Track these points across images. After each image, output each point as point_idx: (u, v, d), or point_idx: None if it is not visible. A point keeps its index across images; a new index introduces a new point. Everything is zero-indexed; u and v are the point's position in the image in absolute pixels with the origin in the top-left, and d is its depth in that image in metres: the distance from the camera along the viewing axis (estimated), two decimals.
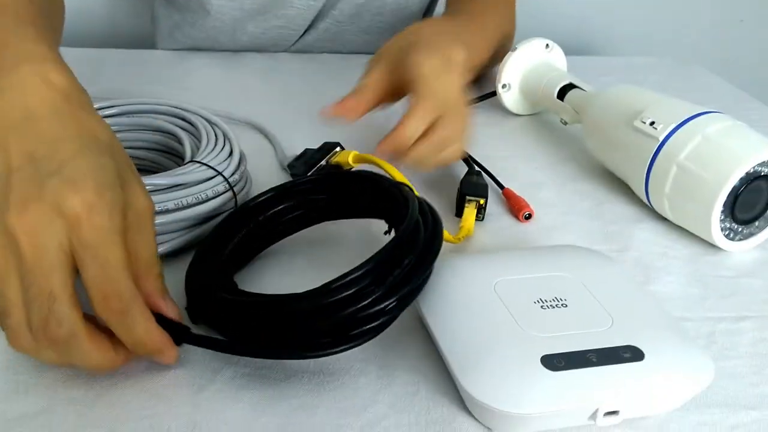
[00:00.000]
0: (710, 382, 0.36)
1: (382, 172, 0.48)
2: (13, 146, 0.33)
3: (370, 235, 0.48)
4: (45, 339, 0.32)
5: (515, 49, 0.68)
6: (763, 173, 0.48)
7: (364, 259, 0.35)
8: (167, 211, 0.44)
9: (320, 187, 0.46)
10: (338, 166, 0.52)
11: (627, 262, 0.49)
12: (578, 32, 1.12)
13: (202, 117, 0.53)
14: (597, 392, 0.33)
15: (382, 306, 0.35)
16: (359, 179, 0.45)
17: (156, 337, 0.34)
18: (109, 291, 0.32)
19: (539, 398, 0.33)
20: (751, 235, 0.50)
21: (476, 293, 0.39)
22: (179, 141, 0.51)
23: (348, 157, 0.51)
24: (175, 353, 0.36)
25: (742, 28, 1.19)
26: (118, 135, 0.53)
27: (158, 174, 0.45)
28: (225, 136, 0.51)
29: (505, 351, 0.35)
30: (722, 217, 0.48)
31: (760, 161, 0.47)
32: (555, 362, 0.34)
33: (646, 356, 0.35)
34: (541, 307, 0.37)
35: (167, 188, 0.44)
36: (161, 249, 0.44)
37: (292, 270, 0.45)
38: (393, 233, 0.40)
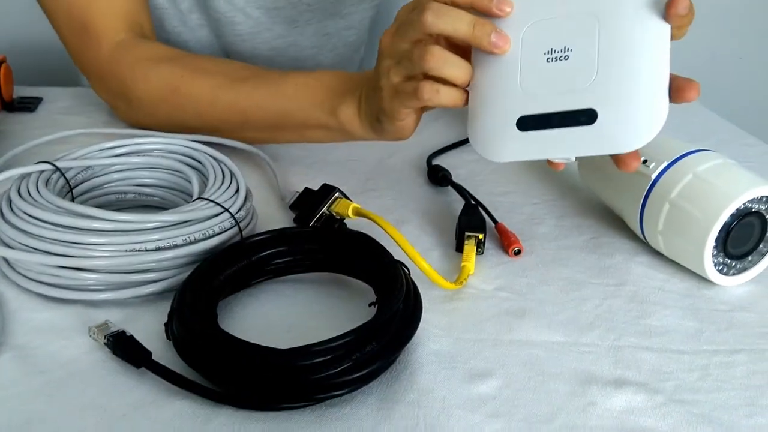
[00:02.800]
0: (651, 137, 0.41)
1: (379, 231, 0.48)
2: None
3: (356, 290, 0.48)
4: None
5: None
6: (753, 209, 0.49)
7: (343, 313, 0.38)
8: (175, 247, 0.45)
9: (319, 240, 0.48)
10: (339, 217, 0.53)
11: (623, 296, 0.50)
12: None
13: (210, 155, 0.55)
14: (555, 153, 0.44)
15: (349, 378, 0.38)
16: (359, 244, 0.47)
17: None
18: None
19: (509, 152, 0.45)
20: (744, 269, 0.51)
21: (507, 31, 0.45)
22: (187, 179, 0.53)
23: (348, 210, 0.51)
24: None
25: (741, 65, 1.21)
26: (130, 173, 0.55)
27: (167, 211, 0.47)
28: (232, 173, 0.53)
29: (497, 107, 0.45)
30: (715, 253, 0.49)
31: (749, 199, 0.48)
32: (527, 122, 0.43)
33: (598, 119, 0.41)
34: (547, 60, 0.43)
35: (176, 224, 0.46)
36: (168, 283, 0.46)
37: (272, 308, 0.47)
38: (375, 309, 0.42)
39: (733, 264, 0.50)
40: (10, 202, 0.47)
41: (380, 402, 0.39)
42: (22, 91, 0.77)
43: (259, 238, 0.47)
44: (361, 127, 0.56)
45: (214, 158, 0.54)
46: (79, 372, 0.40)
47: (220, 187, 0.50)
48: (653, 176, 0.51)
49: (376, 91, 0.51)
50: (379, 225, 0.49)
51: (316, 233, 0.50)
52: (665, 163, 0.51)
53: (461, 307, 0.47)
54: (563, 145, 0.43)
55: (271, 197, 0.60)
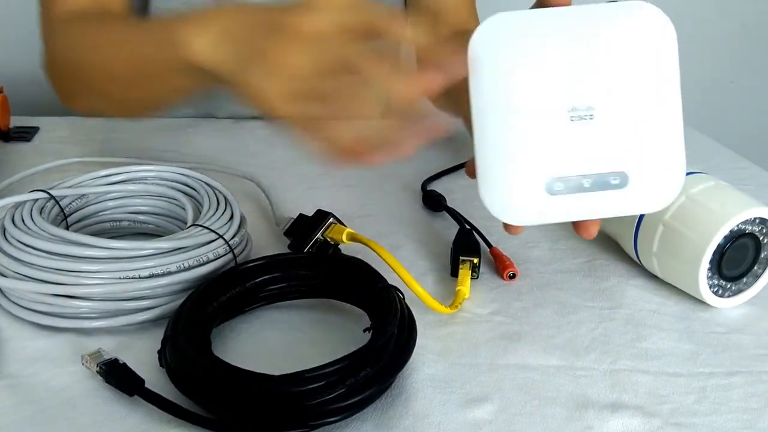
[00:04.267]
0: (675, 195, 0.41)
1: (373, 255, 0.49)
2: None
3: (351, 316, 0.48)
4: None
5: None
6: (747, 231, 0.49)
7: (338, 339, 0.39)
8: (169, 273, 0.45)
9: (314, 266, 0.48)
10: (334, 243, 0.53)
11: (619, 319, 0.49)
12: None
13: (204, 182, 0.55)
14: (583, 215, 0.42)
15: (343, 404, 0.38)
16: (353, 269, 0.47)
17: None
18: None
19: (534, 216, 0.42)
20: (740, 291, 0.51)
21: (525, 85, 0.41)
22: (182, 206, 0.53)
23: (342, 235, 0.51)
24: None
25: (733, 89, 1.22)
26: (124, 201, 0.55)
27: (162, 238, 0.47)
28: (226, 200, 0.53)
29: (519, 167, 0.41)
30: (710, 275, 0.49)
31: (742, 220, 0.48)
32: (555, 187, 0.41)
33: (630, 181, 0.41)
34: (571, 119, 0.41)
35: (170, 251, 0.46)
36: (162, 310, 0.45)
37: (266, 334, 0.46)
38: (370, 334, 0.42)
39: (728, 286, 0.50)
40: (4, 231, 0.47)
41: (375, 428, 0.39)
42: (18, 121, 0.77)
43: (253, 264, 0.47)
44: (215, 61, 0.46)
45: (209, 185, 0.55)
46: (72, 400, 0.40)
47: (214, 214, 0.51)
48: None
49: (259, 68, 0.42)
50: (373, 250, 0.49)
51: (311, 259, 0.50)
52: None
53: (456, 332, 0.47)
54: (591, 208, 0.41)
55: (266, 223, 0.60)
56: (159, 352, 0.41)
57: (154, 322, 0.46)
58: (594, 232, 0.43)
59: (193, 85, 0.52)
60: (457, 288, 0.50)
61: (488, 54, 0.40)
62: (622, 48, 0.41)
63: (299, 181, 0.67)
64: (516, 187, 0.41)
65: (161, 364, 0.41)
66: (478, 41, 0.40)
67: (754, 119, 1.23)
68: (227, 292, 0.45)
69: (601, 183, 0.41)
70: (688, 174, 0.52)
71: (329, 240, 0.52)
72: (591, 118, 0.40)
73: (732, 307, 0.51)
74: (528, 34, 0.41)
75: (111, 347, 0.44)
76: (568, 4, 0.41)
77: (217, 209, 0.51)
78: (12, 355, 0.43)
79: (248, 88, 0.43)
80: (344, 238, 0.51)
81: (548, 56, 0.40)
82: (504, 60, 0.41)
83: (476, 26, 0.41)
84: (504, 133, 0.41)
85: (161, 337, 0.42)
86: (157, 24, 0.54)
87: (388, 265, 0.47)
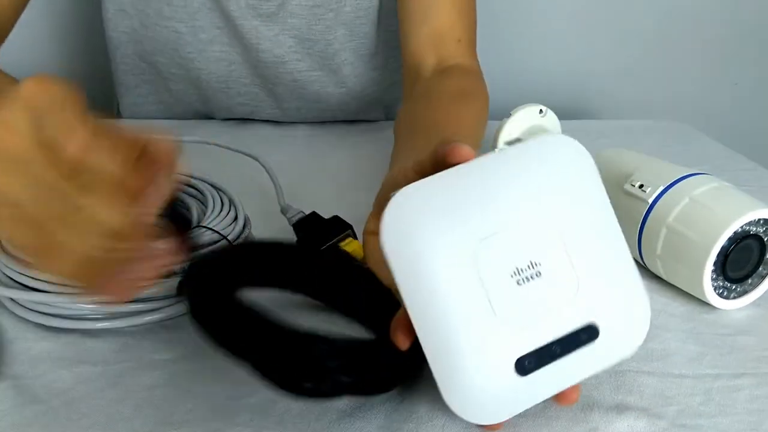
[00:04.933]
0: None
1: None
2: None
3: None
4: None
5: (510, 115, 0.70)
6: (751, 232, 0.49)
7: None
8: (174, 274, 0.45)
9: (329, 272, 0.47)
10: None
11: None
12: (574, 96, 1.16)
13: (209, 183, 0.55)
14: (561, 385, 0.36)
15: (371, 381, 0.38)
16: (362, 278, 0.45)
17: None
18: None
19: (512, 406, 0.36)
20: (745, 292, 0.51)
21: (453, 265, 0.34)
22: (186, 207, 0.53)
23: (359, 253, 0.50)
24: None
25: (737, 91, 1.22)
26: None
27: (166, 239, 0.47)
28: (230, 201, 0.53)
29: (480, 356, 0.34)
30: (714, 277, 0.49)
31: (746, 222, 0.48)
32: (526, 365, 0.35)
33: (600, 332, 0.36)
34: (518, 282, 0.35)
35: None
36: (166, 312, 0.45)
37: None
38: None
39: (733, 287, 0.50)
40: None
41: (379, 430, 0.39)
42: None
43: (270, 243, 0.46)
44: None
45: (213, 186, 0.55)
46: (76, 402, 0.40)
47: (219, 215, 0.51)
48: (650, 200, 0.51)
49: None
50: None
51: (327, 262, 0.48)
52: (661, 188, 0.51)
53: None
54: (569, 374, 0.36)
55: (270, 208, 0.58)
56: (180, 285, 0.41)
57: (158, 323, 0.46)
58: (577, 397, 0.37)
59: None
60: None
61: (402, 244, 0.34)
62: (544, 191, 0.36)
63: (303, 178, 0.67)
64: (485, 383, 0.34)
65: (180, 295, 0.40)
66: (388, 232, 0.34)
67: (757, 120, 1.23)
68: (244, 263, 0.44)
69: (571, 343, 0.36)
70: (691, 175, 0.52)
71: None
72: (539, 276, 0.35)
73: (737, 308, 0.51)
74: (441, 206, 0.34)
75: (115, 348, 0.44)
76: (471, 157, 0.35)
77: (221, 210, 0.51)
78: (16, 356, 0.43)
79: None
80: (358, 256, 0.50)
81: (470, 224, 0.35)
82: (421, 245, 0.34)
83: (458, 28, 0.37)
84: (449, 327, 0.34)
85: (166, 338, 0.42)
86: None
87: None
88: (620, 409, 0.41)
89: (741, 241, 0.48)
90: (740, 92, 1.22)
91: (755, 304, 0.51)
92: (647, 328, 0.37)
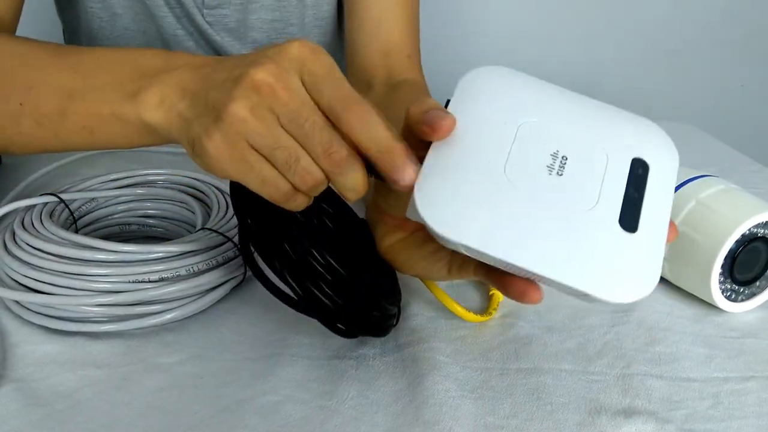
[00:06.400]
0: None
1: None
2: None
3: None
4: (330, 164, 0.35)
5: None
6: (759, 234, 0.48)
7: None
8: (179, 277, 0.45)
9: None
10: None
11: (631, 323, 0.49)
12: None
13: (213, 186, 0.55)
14: (527, 263, 0.34)
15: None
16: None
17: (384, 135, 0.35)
18: (351, 96, 0.35)
19: (463, 232, 0.34)
20: (753, 295, 0.50)
21: (497, 123, 0.37)
22: (191, 209, 0.53)
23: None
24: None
25: (743, 92, 1.22)
26: (134, 204, 0.55)
27: (171, 241, 0.47)
28: None
29: (474, 188, 0.35)
30: (722, 279, 0.49)
31: (754, 224, 0.48)
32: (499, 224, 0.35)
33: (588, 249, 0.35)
34: (548, 169, 0.36)
35: (179, 255, 0.46)
36: (172, 315, 0.45)
37: None
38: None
39: (741, 290, 0.50)
40: (13, 235, 0.47)
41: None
42: None
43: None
44: (167, 121, 0.39)
45: (218, 188, 0.54)
46: (80, 405, 0.40)
47: (223, 217, 0.50)
48: None
49: (210, 121, 0.36)
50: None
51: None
52: None
53: (467, 336, 0.47)
54: (541, 262, 0.34)
55: None
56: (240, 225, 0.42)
57: (163, 326, 0.45)
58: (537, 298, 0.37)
59: (120, 141, 0.43)
60: (491, 292, 0.50)
61: (473, 98, 0.38)
62: (619, 137, 0.38)
63: None
64: (463, 201, 0.35)
65: (241, 233, 0.42)
66: (464, 86, 0.38)
67: (764, 122, 1.22)
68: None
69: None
70: (698, 178, 0.52)
71: None
72: (560, 175, 0.36)
73: (745, 311, 0.51)
74: (529, 86, 0.39)
75: (120, 351, 0.43)
76: (453, 126, 0.37)
77: (226, 212, 0.51)
78: (21, 359, 0.43)
79: (194, 145, 0.37)
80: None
81: (542, 107, 0.38)
82: (487, 104, 0.37)
83: (408, 43, 0.40)
84: (462, 160, 0.36)
85: (171, 341, 0.42)
86: (101, 53, 0.45)
87: (424, 284, 0.47)
88: (628, 413, 0.41)
89: (749, 243, 0.48)
90: (746, 94, 1.21)
91: (763, 306, 0.51)
92: (636, 298, 0.34)
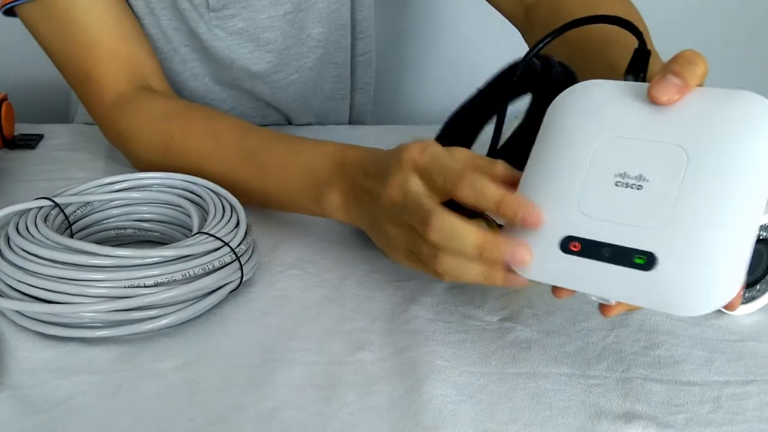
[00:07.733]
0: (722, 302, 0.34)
1: None
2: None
3: None
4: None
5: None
6: (760, 237, 0.48)
7: None
8: (175, 282, 0.45)
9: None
10: None
11: (631, 326, 0.49)
12: None
13: (210, 189, 0.54)
14: (599, 289, 0.37)
15: None
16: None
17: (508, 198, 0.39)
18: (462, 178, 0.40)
19: (539, 271, 0.38)
20: (753, 298, 0.50)
21: (578, 144, 0.40)
22: (187, 213, 0.53)
23: None
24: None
25: None
26: (129, 209, 0.55)
27: (167, 246, 0.46)
28: (232, 207, 0.52)
29: (544, 208, 0.38)
30: None
31: None
32: (571, 247, 0.37)
33: (656, 266, 0.35)
34: (616, 183, 0.37)
35: (175, 259, 0.46)
36: (167, 320, 0.45)
37: None
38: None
39: (742, 293, 0.50)
40: (8, 239, 0.47)
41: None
42: (23, 128, 0.77)
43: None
44: (350, 220, 0.52)
45: (214, 192, 0.54)
46: (75, 411, 0.39)
47: (220, 221, 0.50)
48: None
49: (377, 229, 0.48)
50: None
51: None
52: None
53: (466, 339, 0.47)
54: (606, 284, 0.37)
55: (272, 213, 0.59)
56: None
57: (159, 331, 0.45)
58: (614, 314, 0.39)
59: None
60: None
61: (566, 110, 0.41)
62: (712, 132, 0.37)
63: None
64: (529, 234, 0.38)
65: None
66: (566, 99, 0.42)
67: None
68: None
69: (622, 257, 0.36)
70: None
71: None
72: (639, 188, 0.37)
73: (746, 314, 0.50)
74: (616, 100, 0.40)
75: (115, 357, 0.43)
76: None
77: (222, 216, 0.51)
78: (15, 366, 0.43)
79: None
80: None
81: (620, 124, 0.39)
82: (578, 116, 0.41)
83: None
84: (540, 180, 0.40)
85: (166, 347, 0.41)
86: (279, 160, 0.57)
87: None
88: (628, 417, 0.40)
89: None
90: None
91: (764, 310, 0.51)
92: (714, 307, 0.34)
